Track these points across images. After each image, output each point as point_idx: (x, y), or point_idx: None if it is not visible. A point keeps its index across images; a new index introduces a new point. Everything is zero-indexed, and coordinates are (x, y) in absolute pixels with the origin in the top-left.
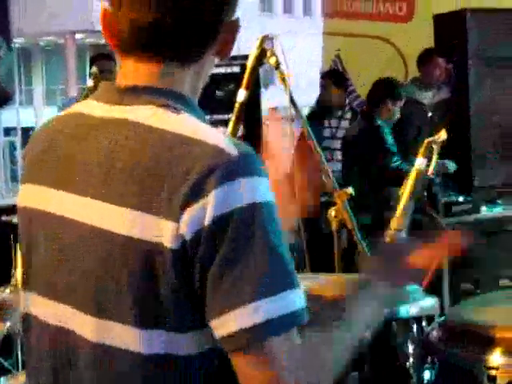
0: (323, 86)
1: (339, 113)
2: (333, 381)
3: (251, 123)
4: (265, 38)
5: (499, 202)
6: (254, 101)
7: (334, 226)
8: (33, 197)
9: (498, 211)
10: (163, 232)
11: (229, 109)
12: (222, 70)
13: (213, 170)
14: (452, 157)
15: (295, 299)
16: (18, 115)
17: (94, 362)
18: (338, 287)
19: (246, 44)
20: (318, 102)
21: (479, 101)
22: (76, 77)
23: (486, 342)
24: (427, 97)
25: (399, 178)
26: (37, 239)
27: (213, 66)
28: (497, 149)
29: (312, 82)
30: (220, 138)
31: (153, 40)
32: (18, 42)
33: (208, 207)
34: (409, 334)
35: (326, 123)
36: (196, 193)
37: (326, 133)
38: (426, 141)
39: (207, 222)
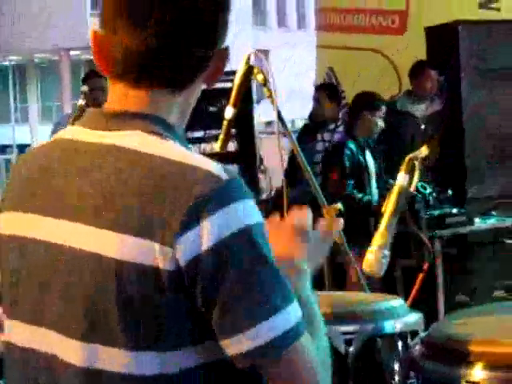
0: (316, 100)
1: (332, 126)
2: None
3: (244, 138)
4: (251, 55)
5: (493, 213)
6: (246, 116)
7: None
8: (20, 224)
9: (491, 223)
10: (158, 256)
11: (222, 124)
12: (214, 86)
13: (207, 197)
14: (446, 168)
15: (297, 309)
16: (14, 133)
17: None
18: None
19: (240, 58)
20: (311, 115)
21: (472, 112)
22: (71, 93)
23: (467, 356)
24: (420, 109)
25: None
26: (23, 267)
27: (199, 92)
28: (491, 160)
29: (306, 95)
30: (209, 163)
31: (146, 67)
32: (12, 58)
33: (204, 234)
34: (393, 350)
35: (319, 137)
36: (191, 219)
37: (319, 146)
38: (407, 157)
39: (204, 248)
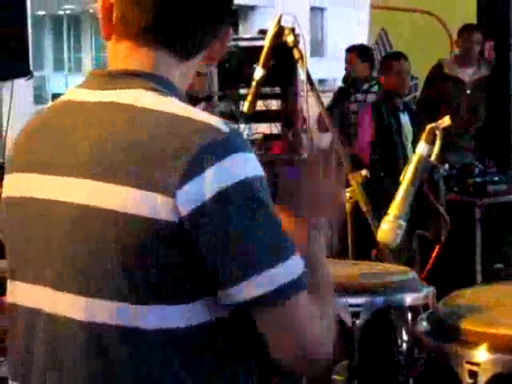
0: (348, 61)
1: (365, 86)
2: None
3: (288, 97)
4: (282, 16)
5: None
6: (290, 74)
7: (348, 208)
8: (22, 185)
9: None
10: (159, 207)
11: (269, 83)
12: (259, 43)
13: (208, 148)
14: (491, 135)
15: (300, 263)
16: (67, 82)
17: (87, 343)
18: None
19: (298, 17)
20: (345, 77)
21: None
22: None
23: (470, 336)
24: (467, 74)
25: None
26: (24, 228)
27: (198, 68)
28: None
29: None
30: (210, 116)
31: (158, 27)
32: (67, 8)
33: (206, 184)
34: (402, 324)
35: (352, 98)
36: (193, 170)
37: (352, 108)
38: (428, 126)
39: (207, 198)
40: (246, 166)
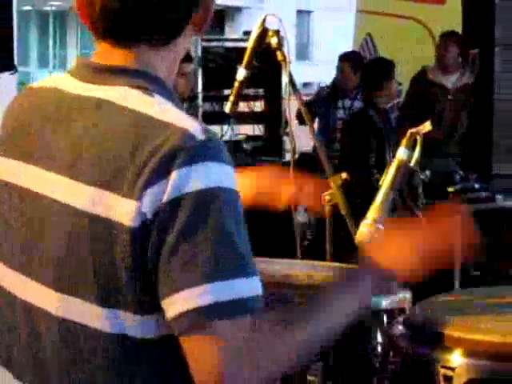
0: (340, 69)
1: (353, 93)
2: (295, 367)
3: (272, 99)
4: (266, 18)
5: None
6: (275, 76)
7: (328, 211)
8: (8, 170)
9: None
10: (124, 211)
11: (251, 84)
12: (244, 44)
13: (178, 152)
14: (472, 143)
15: (246, 287)
16: None
17: (59, 338)
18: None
19: (284, 19)
20: (334, 83)
21: (503, 87)
22: None
23: (445, 341)
24: (450, 81)
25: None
26: (7, 212)
27: (189, 42)
28: None
29: None
30: (189, 121)
31: (124, 26)
32: (53, 4)
33: (167, 187)
34: (378, 327)
35: (340, 104)
36: (159, 173)
37: (340, 114)
38: (409, 131)
39: (164, 201)
40: (214, 176)
